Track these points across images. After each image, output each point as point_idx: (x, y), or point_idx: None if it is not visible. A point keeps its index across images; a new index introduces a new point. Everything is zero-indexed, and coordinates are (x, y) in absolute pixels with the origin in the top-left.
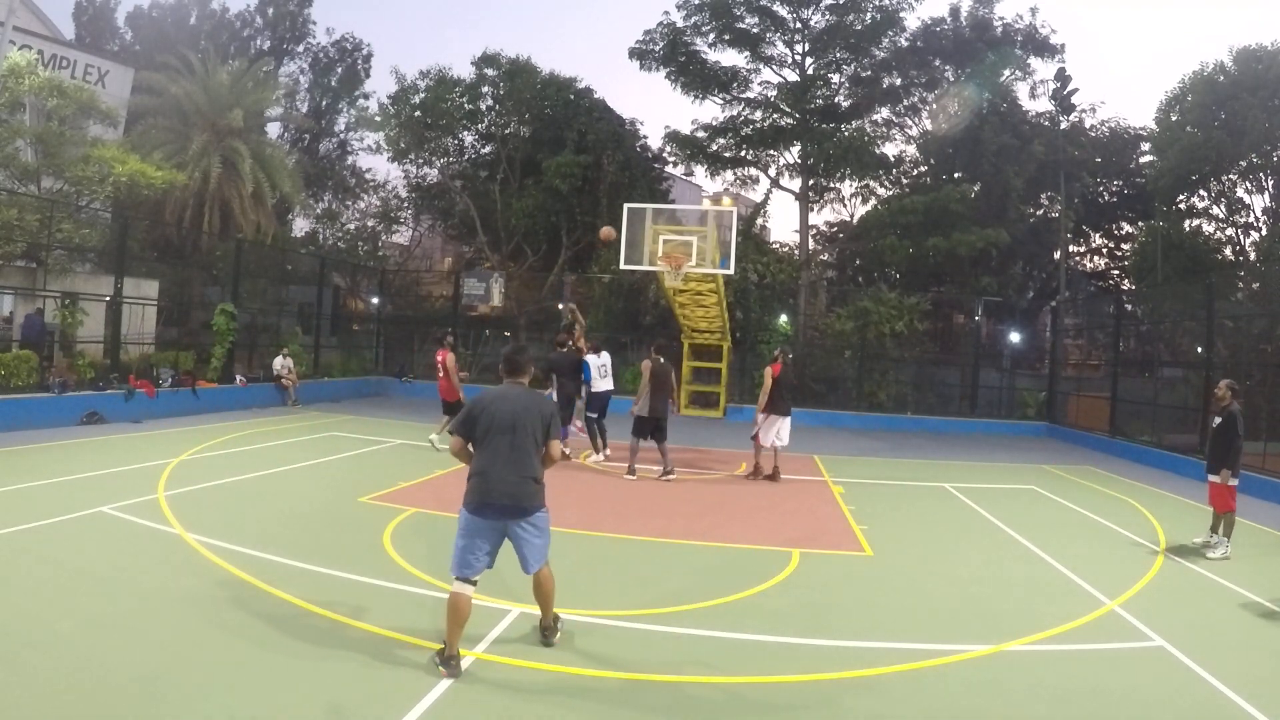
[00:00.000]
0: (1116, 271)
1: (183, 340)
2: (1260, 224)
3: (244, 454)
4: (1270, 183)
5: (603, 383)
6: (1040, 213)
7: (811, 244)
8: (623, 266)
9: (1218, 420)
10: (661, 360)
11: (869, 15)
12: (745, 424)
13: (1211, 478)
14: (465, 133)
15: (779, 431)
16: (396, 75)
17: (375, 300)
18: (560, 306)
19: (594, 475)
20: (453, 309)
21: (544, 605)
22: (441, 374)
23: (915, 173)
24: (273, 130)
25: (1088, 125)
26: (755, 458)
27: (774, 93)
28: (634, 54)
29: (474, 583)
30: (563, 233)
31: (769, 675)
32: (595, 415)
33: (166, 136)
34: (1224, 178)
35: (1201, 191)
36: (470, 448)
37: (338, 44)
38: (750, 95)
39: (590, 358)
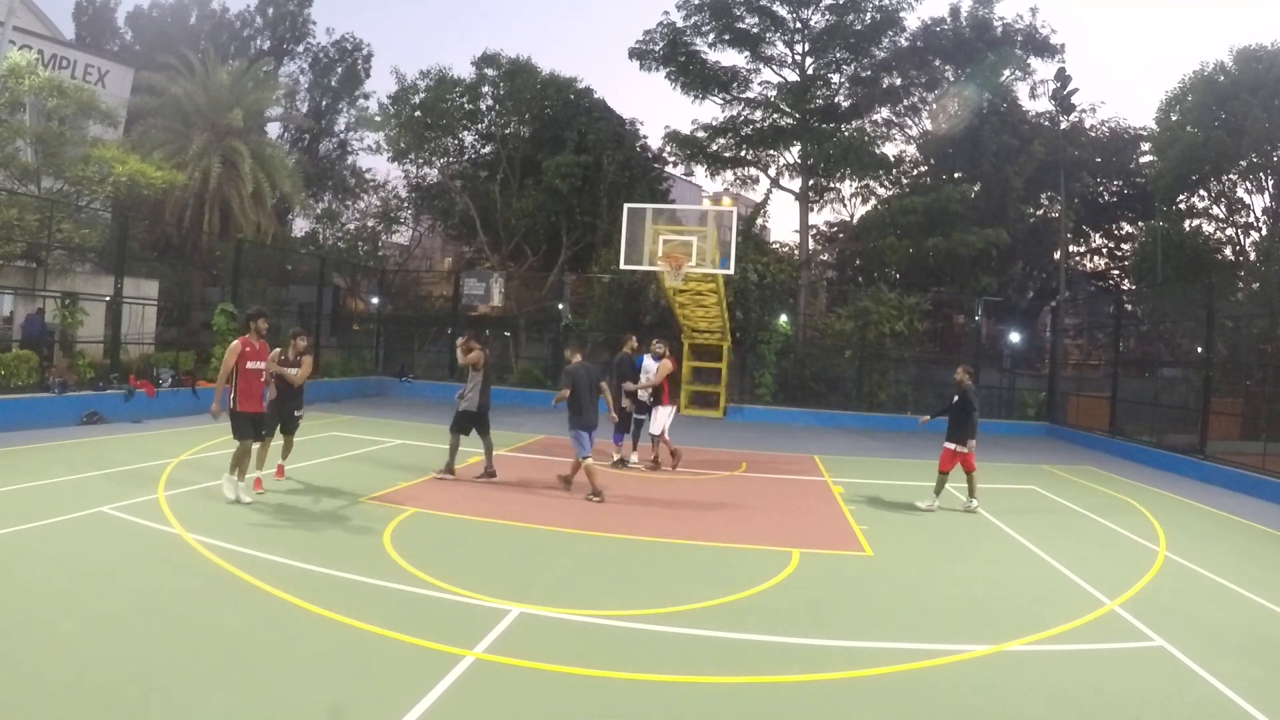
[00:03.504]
0: (1116, 271)
1: (183, 340)
2: (1260, 224)
3: None
4: (1270, 183)
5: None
6: (1040, 213)
7: (811, 244)
8: (623, 266)
9: (956, 397)
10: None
11: (869, 15)
12: (746, 424)
13: (952, 445)
14: (465, 133)
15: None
16: (396, 75)
17: (375, 300)
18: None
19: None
20: (453, 309)
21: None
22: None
23: (915, 173)
24: (273, 130)
25: (1088, 125)
26: (658, 450)
27: (774, 93)
28: (634, 54)
29: (589, 456)
30: (563, 233)
31: (769, 675)
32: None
33: (166, 136)
34: (1224, 178)
35: (1201, 191)
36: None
37: (338, 44)
38: (750, 95)
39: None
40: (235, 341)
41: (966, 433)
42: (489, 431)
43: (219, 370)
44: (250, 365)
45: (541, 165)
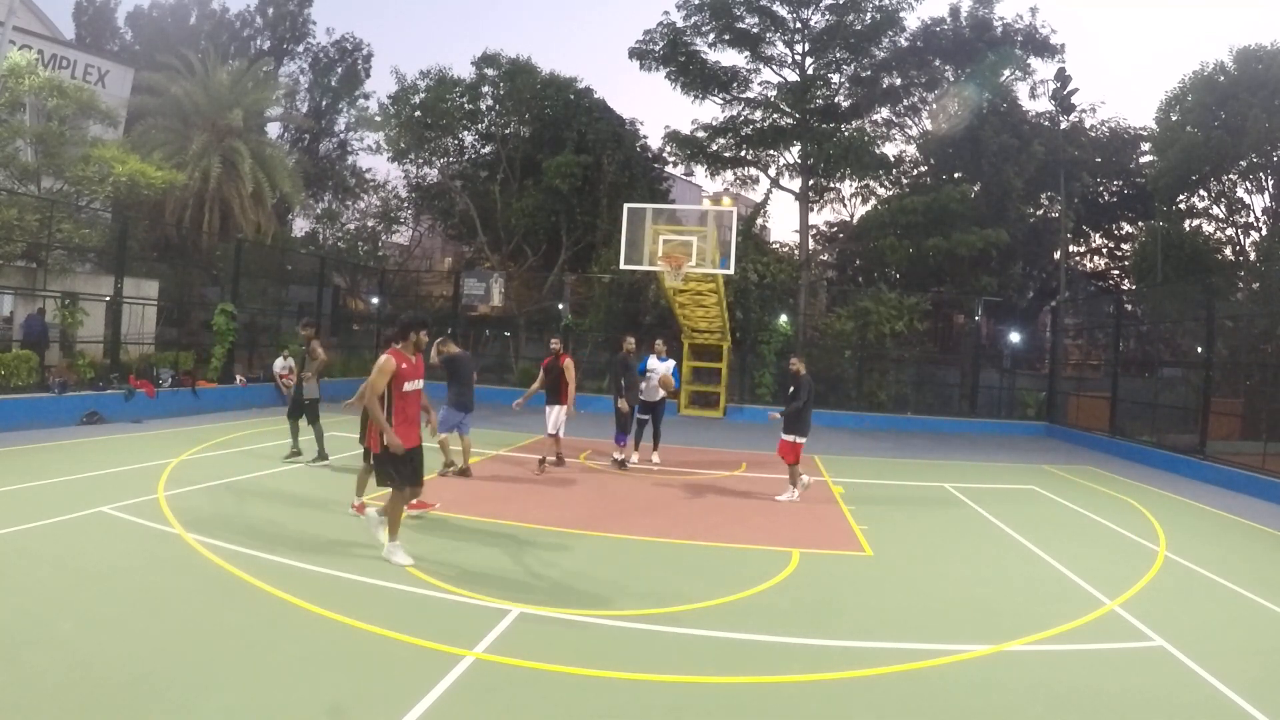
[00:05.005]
0: (1116, 271)
1: (183, 340)
2: (1260, 224)
3: (244, 454)
4: (1270, 183)
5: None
6: (1040, 213)
7: (811, 244)
8: (623, 266)
9: (792, 388)
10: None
11: (869, 15)
12: (746, 424)
13: (790, 437)
14: (465, 133)
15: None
16: (396, 75)
17: (375, 300)
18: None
19: (594, 476)
20: (453, 309)
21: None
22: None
23: (915, 173)
24: (273, 130)
25: (1088, 125)
26: (558, 449)
27: (774, 93)
28: (634, 54)
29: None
30: (563, 233)
31: (769, 675)
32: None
33: (166, 136)
34: (1224, 178)
35: (1201, 191)
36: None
37: (338, 44)
38: (750, 95)
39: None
40: (385, 355)
41: (799, 425)
42: (318, 419)
43: (367, 394)
44: (407, 387)
45: (541, 165)
